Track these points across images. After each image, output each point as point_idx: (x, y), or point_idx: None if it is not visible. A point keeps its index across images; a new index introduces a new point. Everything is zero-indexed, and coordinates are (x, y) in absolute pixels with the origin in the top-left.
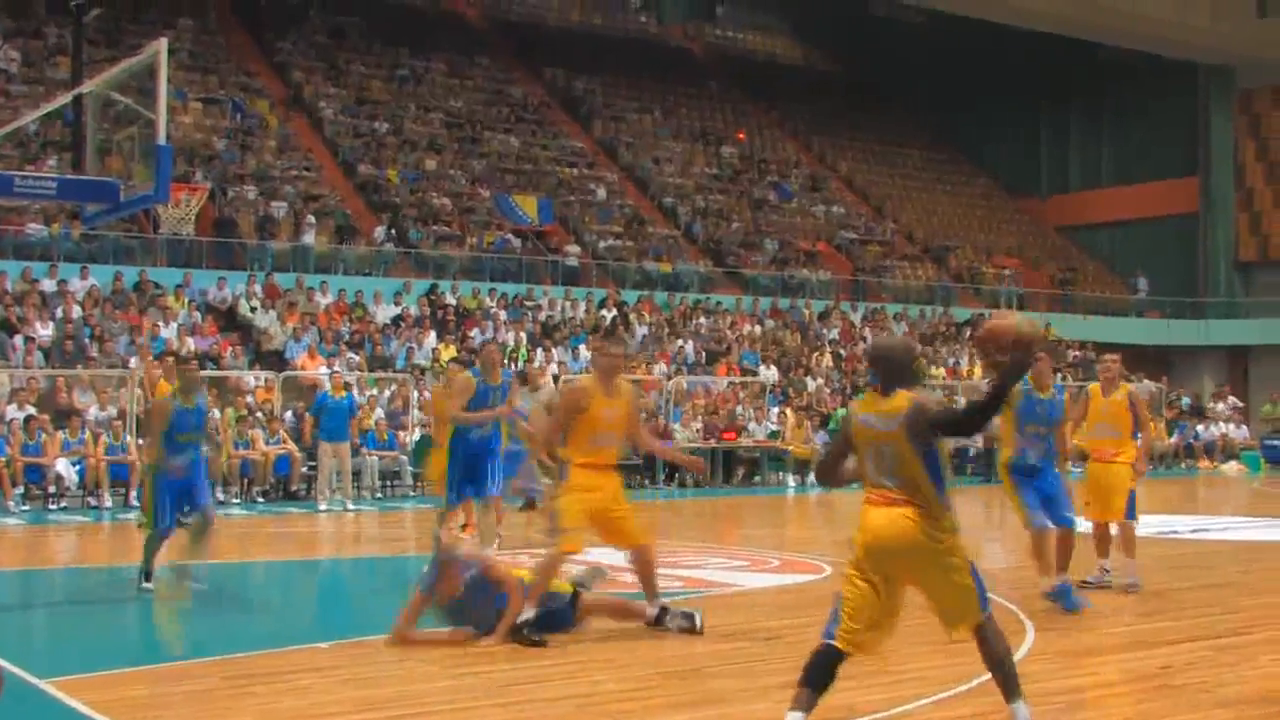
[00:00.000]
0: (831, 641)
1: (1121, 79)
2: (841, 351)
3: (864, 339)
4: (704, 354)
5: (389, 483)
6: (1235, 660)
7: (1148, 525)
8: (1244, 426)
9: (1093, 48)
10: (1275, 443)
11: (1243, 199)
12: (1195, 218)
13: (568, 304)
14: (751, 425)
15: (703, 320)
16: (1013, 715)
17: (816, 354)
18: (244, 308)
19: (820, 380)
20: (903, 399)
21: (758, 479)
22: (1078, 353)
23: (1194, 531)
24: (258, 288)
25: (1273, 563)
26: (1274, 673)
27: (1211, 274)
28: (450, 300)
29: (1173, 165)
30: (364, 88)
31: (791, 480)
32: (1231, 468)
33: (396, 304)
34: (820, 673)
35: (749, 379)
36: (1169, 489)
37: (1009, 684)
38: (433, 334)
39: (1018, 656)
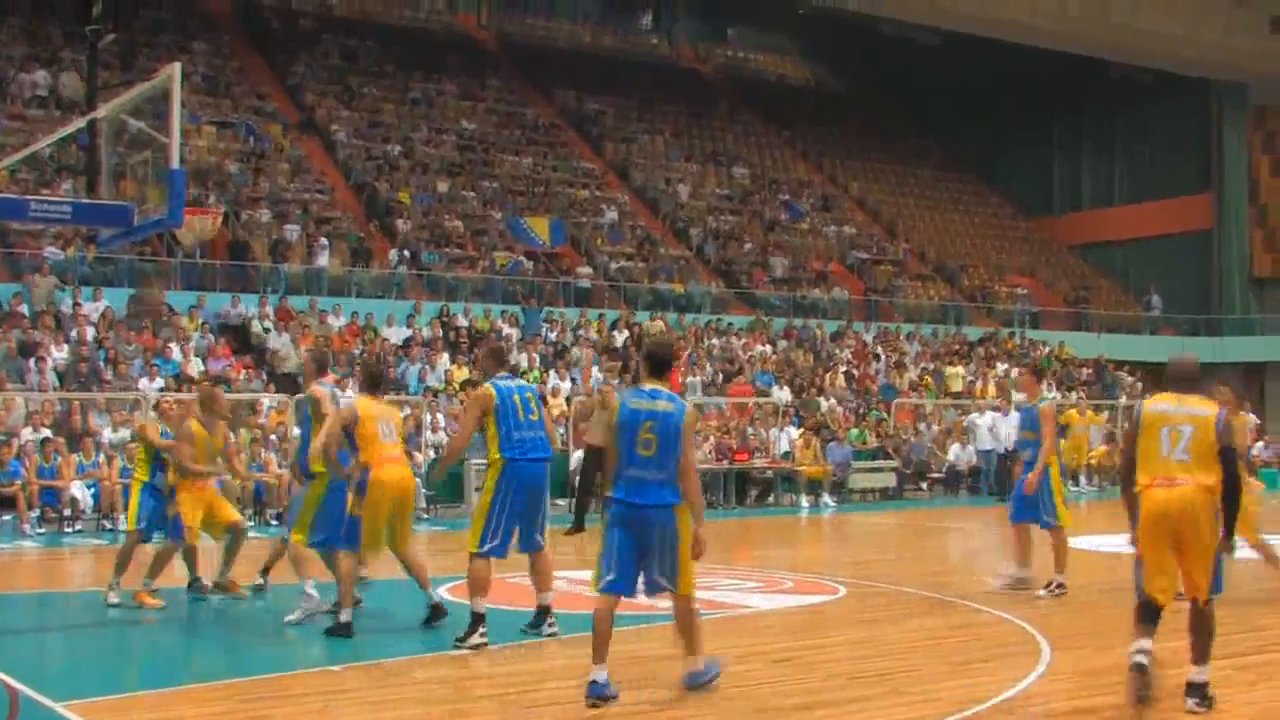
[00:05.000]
0: None
1: (1133, 96)
2: (854, 371)
3: (876, 358)
4: (720, 375)
5: None
6: (1255, 679)
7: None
8: (1261, 443)
9: (1104, 65)
10: None
11: (1257, 214)
12: (1209, 234)
13: (580, 325)
14: (774, 444)
15: (715, 341)
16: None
17: (830, 374)
18: (257, 330)
19: (833, 400)
20: None
21: (771, 500)
22: (1090, 371)
23: None
24: (270, 310)
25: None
26: None
27: (1226, 290)
28: (463, 322)
29: (1186, 182)
30: (376, 110)
31: (805, 501)
32: (1251, 485)
33: (409, 326)
34: None
35: (763, 399)
36: None
37: None
38: (445, 356)
39: (1033, 676)
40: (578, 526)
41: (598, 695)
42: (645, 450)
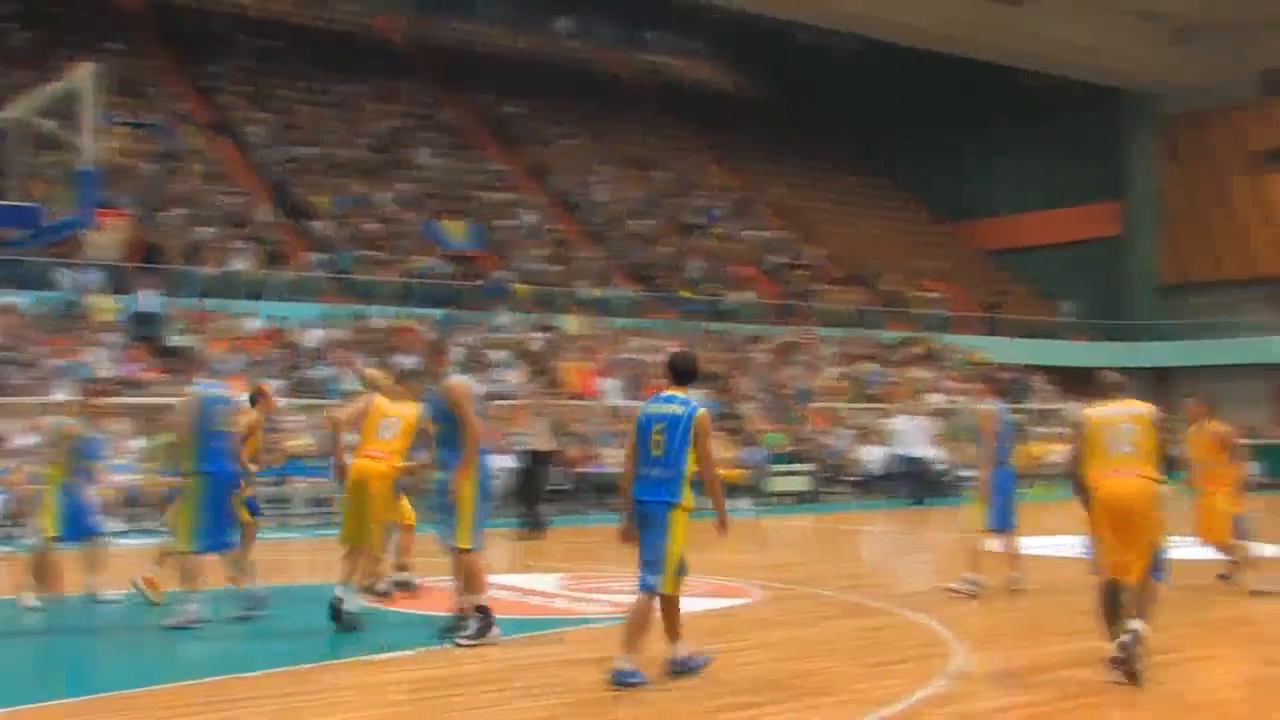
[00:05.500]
0: None
1: (1046, 104)
2: (770, 375)
3: (793, 361)
4: (635, 378)
5: (320, 509)
6: (1160, 678)
7: (1076, 545)
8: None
9: (1017, 74)
10: None
11: (1164, 223)
12: (1118, 241)
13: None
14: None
15: (632, 344)
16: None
17: (746, 377)
18: (171, 333)
19: (750, 404)
20: None
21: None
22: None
23: None
24: (184, 313)
25: (1200, 581)
26: (1195, 689)
27: (1134, 297)
28: (379, 325)
29: (1097, 189)
30: (292, 112)
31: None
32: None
33: (325, 329)
34: None
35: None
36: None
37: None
38: (360, 359)
39: (946, 677)
40: (536, 527)
41: (619, 681)
42: (656, 450)
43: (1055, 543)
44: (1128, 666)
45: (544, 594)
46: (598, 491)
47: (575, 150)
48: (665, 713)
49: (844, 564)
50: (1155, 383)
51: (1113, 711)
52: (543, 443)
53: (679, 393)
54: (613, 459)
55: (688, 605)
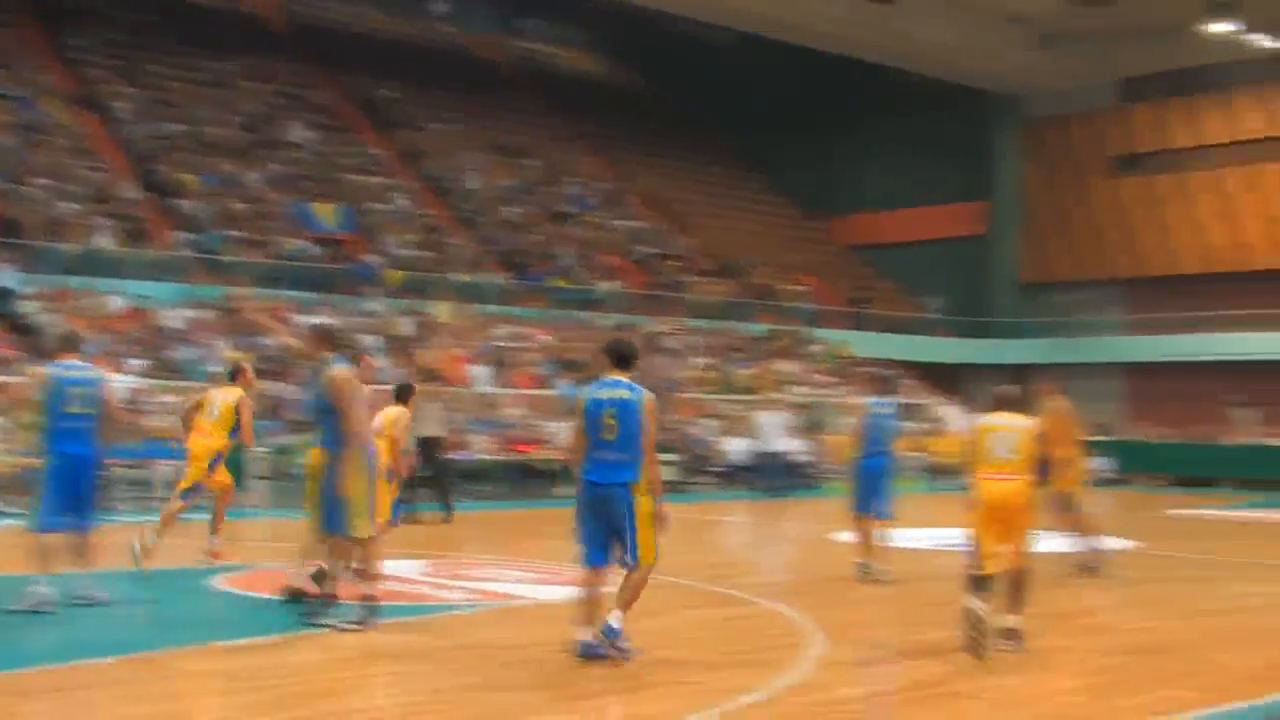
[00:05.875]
0: None
1: (914, 103)
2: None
3: (661, 351)
4: (502, 365)
5: None
6: (1008, 668)
7: (931, 538)
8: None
9: (887, 72)
10: None
11: (1026, 223)
12: (983, 240)
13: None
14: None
15: (501, 331)
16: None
17: None
18: (30, 311)
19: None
20: None
21: (554, 491)
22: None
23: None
24: (45, 290)
25: (1045, 571)
26: (1044, 679)
27: (997, 295)
28: (246, 307)
29: (962, 188)
30: (161, 88)
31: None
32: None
33: (191, 310)
34: None
35: (546, 391)
36: (954, 503)
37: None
38: (223, 341)
39: (804, 666)
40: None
41: (586, 653)
42: (608, 434)
43: (918, 535)
44: (977, 637)
45: (406, 580)
46: (464, 479)
47: (448, 136)
48: (525, 702)
49: (707, 554)
50: (1015, 379)
51: (962, 701)
52: (434, 429)
53: (623, 377)
54: (479, 446)
55: (547, 593)
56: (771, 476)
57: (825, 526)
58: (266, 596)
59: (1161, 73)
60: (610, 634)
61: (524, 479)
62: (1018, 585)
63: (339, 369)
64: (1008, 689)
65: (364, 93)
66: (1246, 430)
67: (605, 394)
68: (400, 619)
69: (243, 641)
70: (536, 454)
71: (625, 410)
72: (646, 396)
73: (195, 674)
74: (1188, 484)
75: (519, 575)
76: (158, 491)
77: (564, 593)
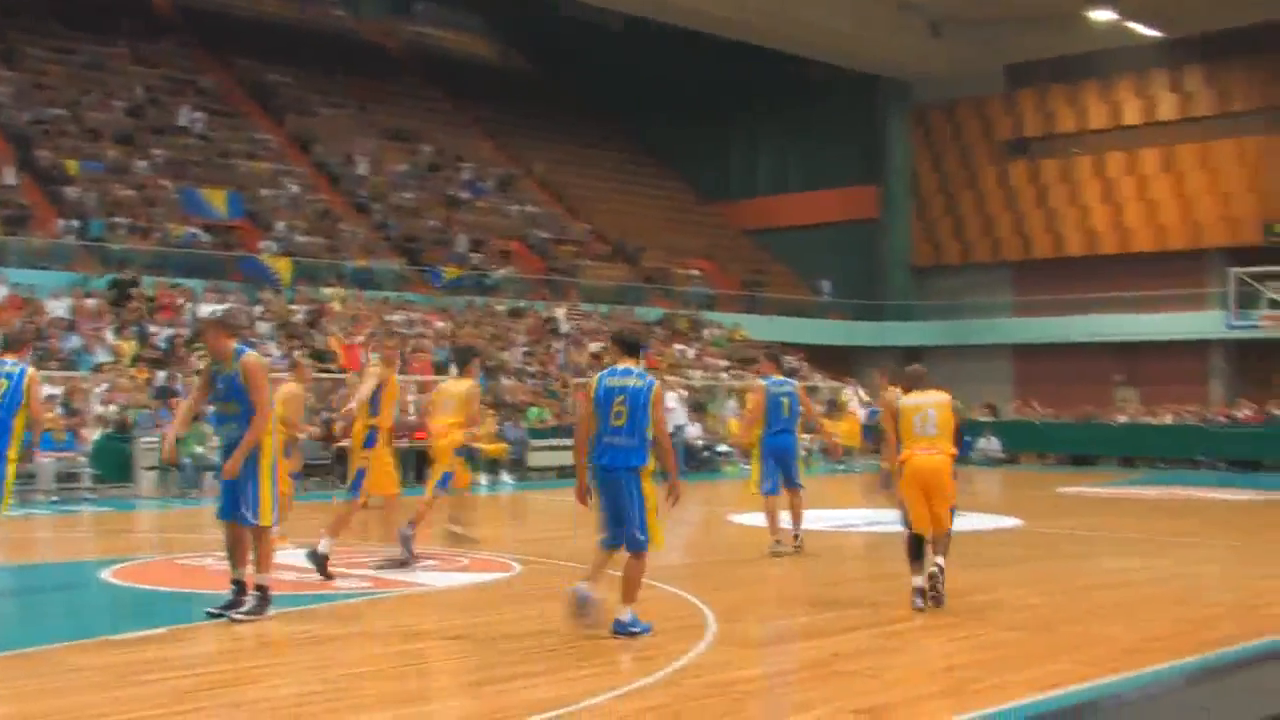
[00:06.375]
0: None
1: (807, 88)
2: (532, 350)
3: (555, 335)
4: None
5: (66, 485)
6: (900, 645)
7: (828, 519)
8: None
9: (779, 57)
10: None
11: (917, 207)
12: (875, 224)
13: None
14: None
15: (395, 317)
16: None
17: (507, 351)
18: None
19: (511, 379)
20: None
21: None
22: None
23: (868, 525)
24: None
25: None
26: (934, 656)
27: (889, 278)
28: (134, 295)
29: (855, 173)
30: (41, 71)
31: (483, 479)
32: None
33: (76, 299)
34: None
35: (441, 378)
36: (849, 483)
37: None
38: (110, 331)
39: (700, 648)
40: None
41: (579, 599)
42: (617, 420)
43: (815, 516)
44: (935, 592)
45: (299, 569)
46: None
47: (340, 120)
48: (422, 689)
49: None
50: (907, 362)
51: (857, 680)
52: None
53: (632, 365)
54: None
55: (446, 580)
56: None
57: (723, 509)
58: (156, 589)
59: (1046, 60)
60: (621, 628)
61: (420, 466)
62: (942, 543)
63: (251, 355)
64: (900, 666)
65: (254, 77)
66: (1128, 409)
67: (616, 382)
68: (296, 608)
69: (132, 635)
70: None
71: (634, 397)
72: (656, 385)
73: (80, 669)
74: (1074, 463)
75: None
76: (42, 484)
77: (458, 579)
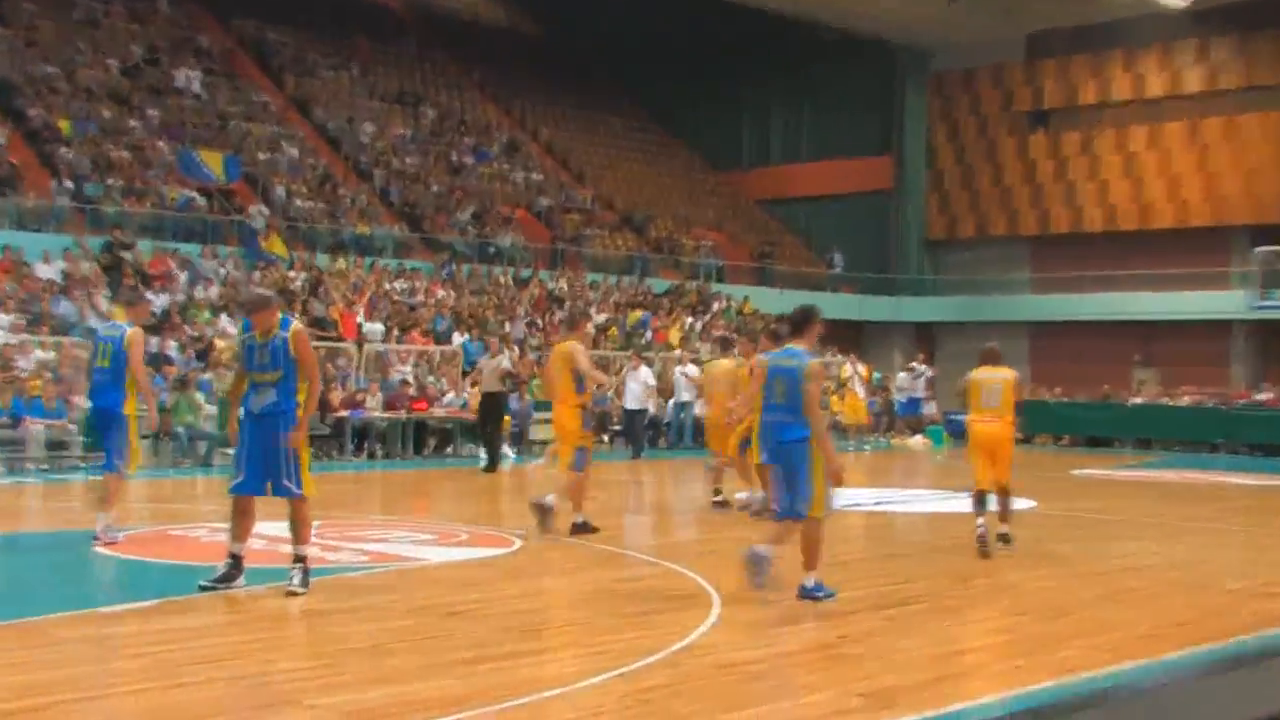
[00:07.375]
0: None
1: (820, 56)
2: (538, 321)
3: (560, 304)
4: (399, 321)
5: (56, 453)
6: (909, 628)
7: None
8: (931, 403)
9: (793, 24)
10: (958, 418)
11: (933, 179)
12: (889, 195)
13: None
14: (449, 396)
15: (396, 285)
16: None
17: (510, 322)
18: None
19: (514, 351)
20: None
21: (450, 450)
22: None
23: (876, 504)
24: None
25: (948, 534)
26: (940, 639)
27: (902, 251)
28: (128, 259)
29: (869, 143)
30: (33, 28)
31: (483, 452)
32: (917, 442)
33: (68, 261)
34: None
35: (442, 347)
36: (856, 463)
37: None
38: (103, 297)
39: (703, 628)
40: (491, 465)
41: (752, 558)
42: (779, 398)
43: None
44: (1004, 540)
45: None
46: (358, 436)
47: (342, 83)
48: (417, 665)
49: (603, 514)
50: (920, 337)
51: (865, 663)
52: (490, 385)
53: (795, 345)
54: (373, 403)
55: (447, 555)
56: (630, 437)
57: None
58: (147, 560)
59: (1069, 28)
60: (806, 593)
61: (420, 437)
62: (1005, 501)
63: (298, 325)
64: (905, 649)
65: (253, 36)
66: (1146, 391)
67: (779, 362)
68: (287, 583)
69: (122, 607)
70: (431, 413)
71: (790, 376)
72: (810, 363)
73: (71, 640)
74: (1090, 444)
75: (409, 537)
76: (29, 451)
77: (456, 554)
